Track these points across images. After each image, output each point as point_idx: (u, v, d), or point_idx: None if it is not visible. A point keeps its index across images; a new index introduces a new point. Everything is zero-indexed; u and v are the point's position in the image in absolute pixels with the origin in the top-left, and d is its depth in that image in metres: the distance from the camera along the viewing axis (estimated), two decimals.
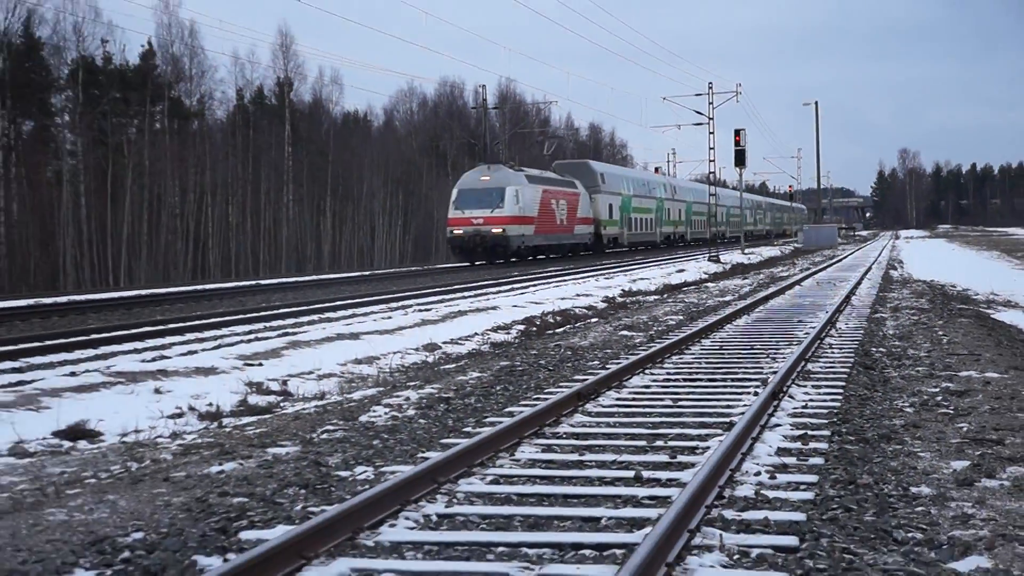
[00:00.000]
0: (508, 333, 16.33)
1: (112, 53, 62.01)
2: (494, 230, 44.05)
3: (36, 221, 54.60)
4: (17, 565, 5.28)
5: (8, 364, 12.93)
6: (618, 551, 5.36)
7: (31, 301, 25.22)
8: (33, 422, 8.95)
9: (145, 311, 22.25)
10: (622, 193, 60.00)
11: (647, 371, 11.64)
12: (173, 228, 62.08)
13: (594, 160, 67.46)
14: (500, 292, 25.52)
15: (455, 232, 44.63)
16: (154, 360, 12.93)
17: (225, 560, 5.29)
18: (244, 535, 5.78)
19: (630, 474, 6.96)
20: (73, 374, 11.63)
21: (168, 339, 15.79)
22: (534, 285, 28.12)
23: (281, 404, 10.41)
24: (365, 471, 7.26)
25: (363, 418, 9.33)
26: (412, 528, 5.91)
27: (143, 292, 29.42)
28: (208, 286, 30.48)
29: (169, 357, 13.24)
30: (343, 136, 78.99)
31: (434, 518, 6.09)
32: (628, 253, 58.88)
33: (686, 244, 73.62)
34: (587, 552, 5.40)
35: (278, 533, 5.62)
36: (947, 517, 5.93)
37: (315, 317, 19.24)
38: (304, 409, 10.03)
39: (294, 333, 16.02)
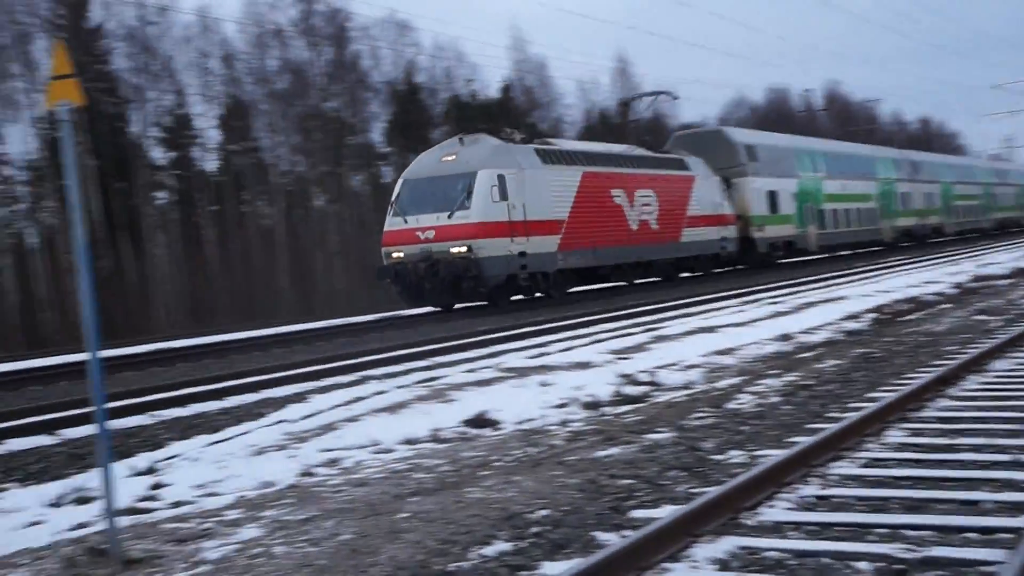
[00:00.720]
0: (860, 321, 15.61)
1: (476, 90, 65.21)
2: (453, 249, 23.76)
3: None
4: (448, 535, 5.62)
5: (420, 363, 13.86)
6: (1005, 535, 4.97)
7: (435, 309, 26.73)
8: (444, 412, 9.50)
9: (523, 314, 23.08)
10: (799, 174, 38.79)
11: (1009, 354, 10.75)
12: None
13: (746, 129, 43.32)
14: (846, 283, 24.52)
15: (393, 255, 24.72)
16: (537, 356, 13.40)
17: (622, 536, 5.38)
18: (634, 514, 5.85)
19: (1007, 458, 6.43)
20: (472, 370, 12.26)
21: (547, 337, 16.35)
22: (880, 274, 26.78)
23: (652, 394, 10.48)
24: (738, 455, 7.17)
25: (729, 405, 9.23)
26: (790, 509, 5.76)
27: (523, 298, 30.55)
28: (581, 288, 30.82)
29: (550, 353, 13.68)
30: None
31: (811, 500, 5.90)
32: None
33: (945, 239, 51.81)
34: (972, 535, 5.05)
35: (666, 512, 5.64)
36: None
37: (675, 313, 19.30)
38: (674, 398, 10.05)
39: (657, 328, 16.13)
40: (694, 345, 13.66)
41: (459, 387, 10.89)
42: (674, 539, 5.16)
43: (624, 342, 14.35)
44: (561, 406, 9.88)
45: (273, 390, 12.05)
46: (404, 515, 6.12)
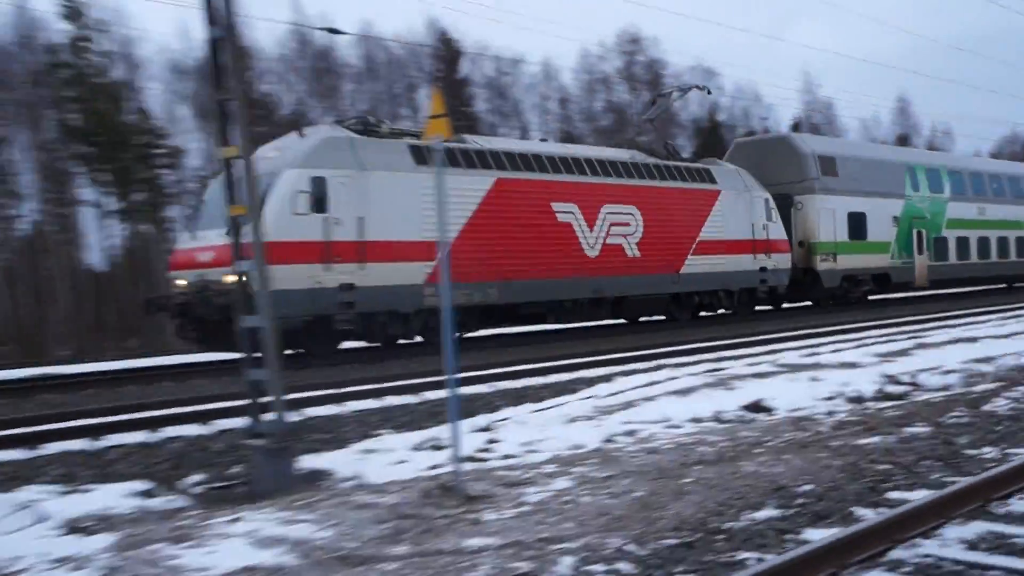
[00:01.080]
0: None
1: (769, 128, 63.31)
2: (228, 277, 13.30)
3: None
4: (725, 499, 5.68)
5: (708, 356, 13.80)
6: None
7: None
8: (726, 398, 9.46)
9: (797, 319, 22.22)
10: (907, 194, 27.54)
11: None
12: None
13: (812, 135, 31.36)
14: None
15: (177, 283, 15.82)
16: (809, 356, 12.97)
17: (878, 512, 5.22)
18: (890, 495, 5.64)
19: None
20: (752, 364, 12.08)
21: (819, 340, 15.83)
22: None
23: (912, 393, 9.91)
24: (991, 451, 6.70)
25: (985, 407, 8.58)
26: None
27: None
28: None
29: (820, 353, 13.20)
30: None
31: None
32: None
33: None
34: None
35: (920, 495, 5.41)
36: None
37: (937, 324, 18.00)
38: (932, 398, 9.45)
39: (920, 336, 15.16)
40: (954, 353, 12.71)
41: (740, 377, 10.79)
42: (927, 519, 4.97)
43: (889, 347, 13.58)
44: (828, 399, 9.57)
45: (585, 371, 12.47)
46: (688, 480, 6.24)
